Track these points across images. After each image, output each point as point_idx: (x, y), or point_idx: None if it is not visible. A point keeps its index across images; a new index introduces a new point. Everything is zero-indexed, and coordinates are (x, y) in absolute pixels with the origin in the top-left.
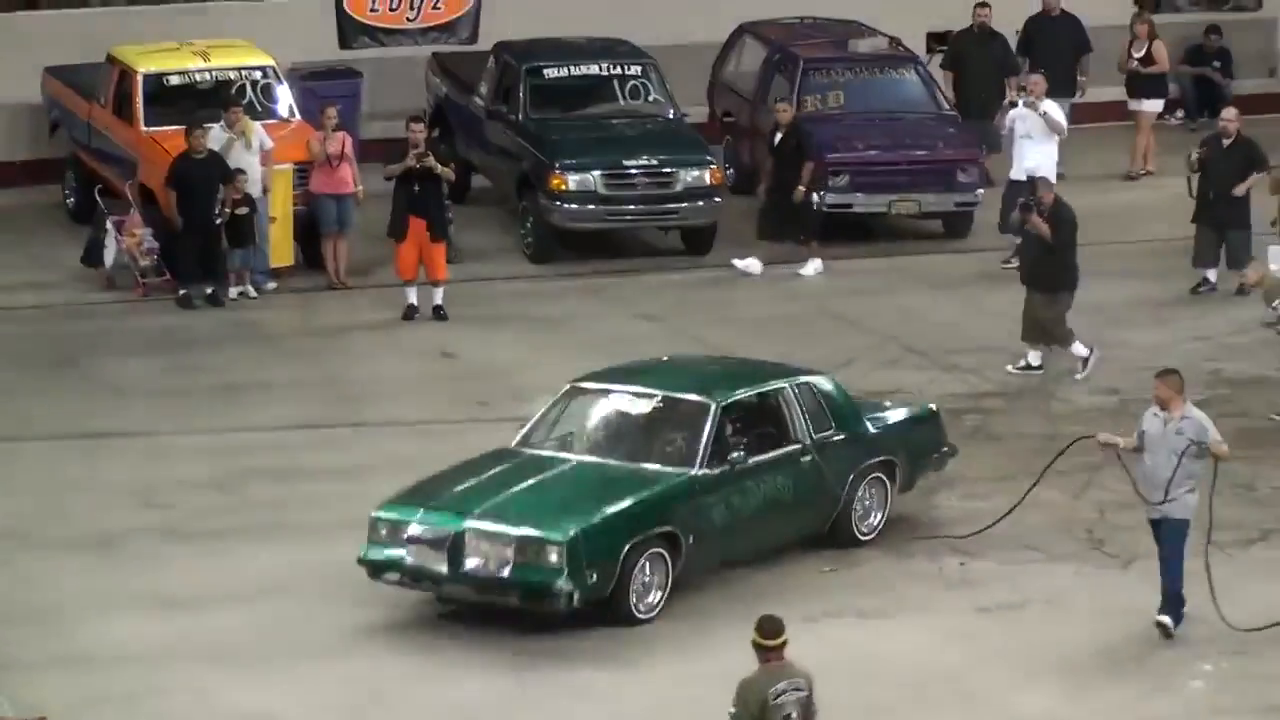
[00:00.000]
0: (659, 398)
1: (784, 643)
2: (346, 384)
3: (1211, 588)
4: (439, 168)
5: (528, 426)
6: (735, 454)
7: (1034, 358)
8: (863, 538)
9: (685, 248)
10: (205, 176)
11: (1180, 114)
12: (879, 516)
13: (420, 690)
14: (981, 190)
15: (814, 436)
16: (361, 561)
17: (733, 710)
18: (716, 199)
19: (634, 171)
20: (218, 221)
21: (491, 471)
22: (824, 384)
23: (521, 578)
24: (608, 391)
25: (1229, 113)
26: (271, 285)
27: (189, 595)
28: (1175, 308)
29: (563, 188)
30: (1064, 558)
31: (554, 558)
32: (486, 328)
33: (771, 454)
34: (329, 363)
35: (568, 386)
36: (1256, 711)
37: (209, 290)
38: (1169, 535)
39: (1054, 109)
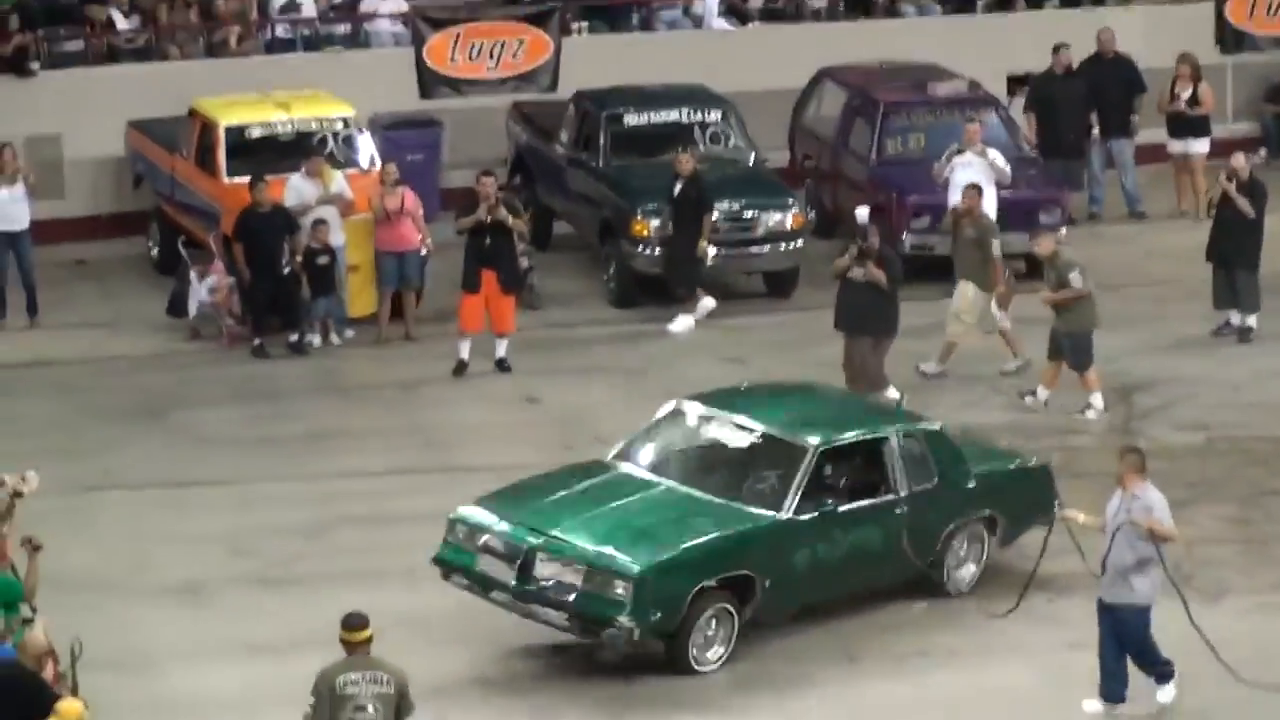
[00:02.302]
0: (758, 433)
1: (367, 638)
2: (432, 430)
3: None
4: (510, 220)
5: (626, 440)
6: (827, 502)
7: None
8: (952, 593)
9: (767, 291)
10: (270, 228)
11: (1263, 152)
12: (973, 571)
13: None
14: (1065, 230)
15: (913, 488)
16: (435, 561)
17: (311, 700)
18: (798, 242)
19: (716, 216)
20: (285, 271)
21: (579, 486)
22: (932, 432)
23: (585, 606)
24: (710, 418)
25: (1238, 159)
26: (350, 333)
27: (277, 642)
28: (1261, 343)
29: (644, 233)
30: None
31: (620, 591)
32: (570, 373)
33: (864, 503)
34: (413, 410)
35: (673, 405)
36: None
37: (292, 338)
38: (1119, 624)
39: (999, 157)
